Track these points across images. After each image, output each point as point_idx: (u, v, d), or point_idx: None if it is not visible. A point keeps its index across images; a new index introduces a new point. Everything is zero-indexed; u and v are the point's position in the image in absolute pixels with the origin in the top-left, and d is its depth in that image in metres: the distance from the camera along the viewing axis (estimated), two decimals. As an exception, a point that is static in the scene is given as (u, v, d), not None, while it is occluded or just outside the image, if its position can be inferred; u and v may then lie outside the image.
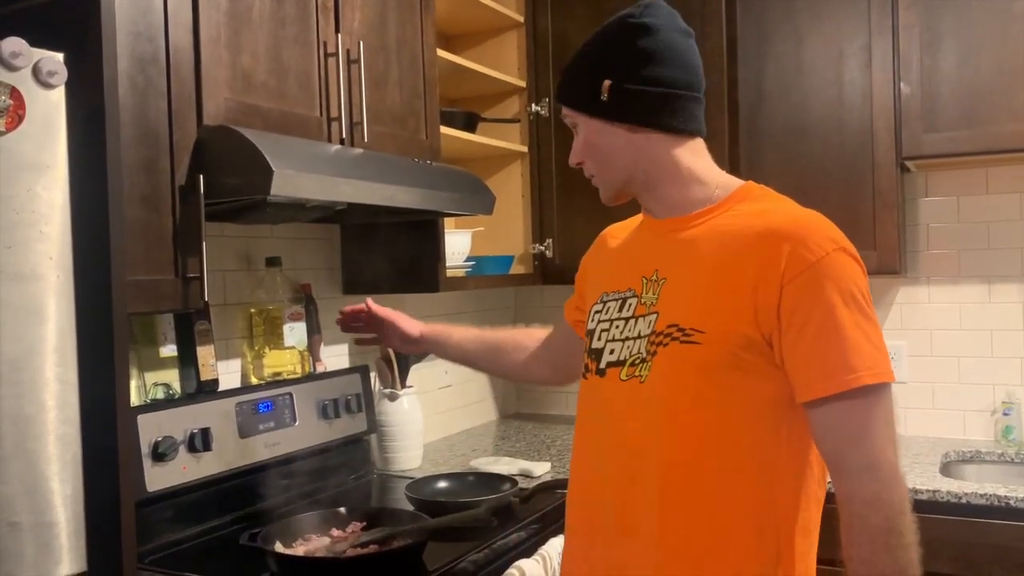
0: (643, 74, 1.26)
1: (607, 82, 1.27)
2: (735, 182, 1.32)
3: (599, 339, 1.34)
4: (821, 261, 1.15)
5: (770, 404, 1.20)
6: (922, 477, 2.26)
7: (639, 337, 1.27)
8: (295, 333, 2.20)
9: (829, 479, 1.22)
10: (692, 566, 1.22)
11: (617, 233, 1.49)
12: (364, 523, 1.82)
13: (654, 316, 1.26)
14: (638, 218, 1.44)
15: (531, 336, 1.78)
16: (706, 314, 1.20)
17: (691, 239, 1.28)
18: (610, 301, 1.36)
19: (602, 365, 1.32)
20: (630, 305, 1.31)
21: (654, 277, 1.29)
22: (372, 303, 1.85)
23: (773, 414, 1.20)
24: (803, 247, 1.15)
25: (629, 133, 1.29)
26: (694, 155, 1.32)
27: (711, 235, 1.26)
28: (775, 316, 1.16)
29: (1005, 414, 2.60)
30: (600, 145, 1.31)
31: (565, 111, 1.35)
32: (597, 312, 1.37)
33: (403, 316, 1.85)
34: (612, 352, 1.31)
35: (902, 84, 2.44)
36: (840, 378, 1.13)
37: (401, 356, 2.48)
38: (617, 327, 1.31)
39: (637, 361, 1.27)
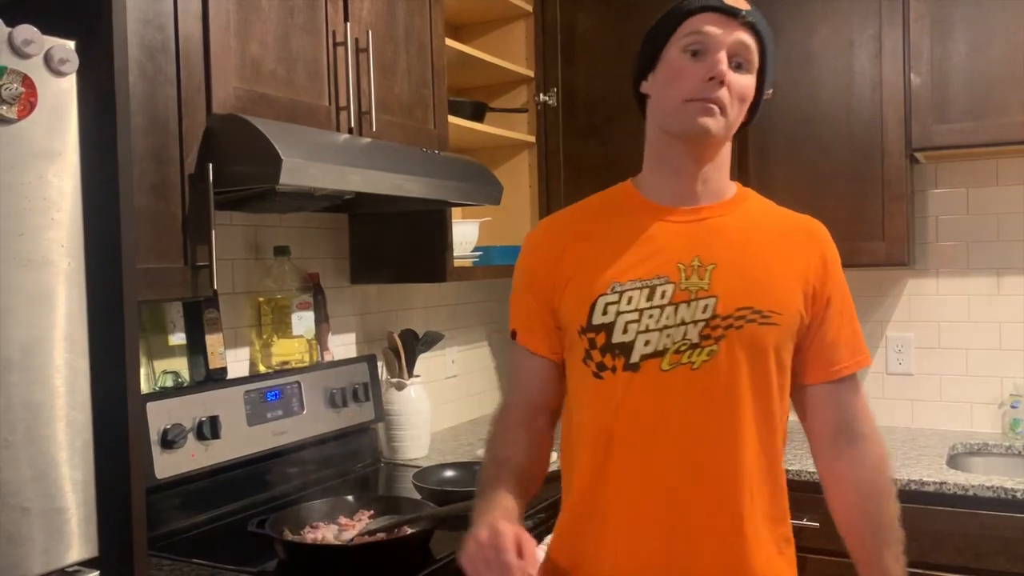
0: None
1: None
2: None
3: (625, 332, 1.26)
4: (838, 258, 1.35)
5: (789, 384, 1.33)
6: (929, 469, 2.26)
7: (684, 324, 1.25)
8: (303, 322, 2.21)
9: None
10: (749, 544, 1.26)
11: (571, 226, 1.39)
12: (371, 511, 1.83)
13: (712, 300, 1.25)
14: (584, 208, 1.39)
15: (516, 418, 1.42)
16: (778, 296, 1.27)
17: (729, 226, 1.31)
18: (629, 291, 1.28)
19: (634, 359, 1.25)
20: (664, 293, 1.27)
21: (695, 263, 1.28)
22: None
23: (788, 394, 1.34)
24: (831, 244, 1.35)
25: (746, 110, 1.32)
26: None
27: (753, 225, 1.32)
28: (824, 302, 1.31)
29: (1013, 407, 2.60)
30: (747, 100, 1.30)
31: (754, 48, 1.27)
32: (611, 304, 1.28)
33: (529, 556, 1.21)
34: (647, 343, 1.25)
35: (912, 75, 2.43)
36: (860, 357, 1.34)
37: (409, 346, 2.48)
38: (651, 316, 1.26)
39: (683, 348, 1.24)
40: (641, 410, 1.27)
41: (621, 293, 1.28)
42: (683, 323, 1.25)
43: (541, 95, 2.82)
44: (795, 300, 1.28)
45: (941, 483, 2.16)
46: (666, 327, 1.25)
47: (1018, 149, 2.45)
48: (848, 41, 2.49)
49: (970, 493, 2.13)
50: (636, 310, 1.27)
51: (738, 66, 1.26)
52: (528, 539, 1.20)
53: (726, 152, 1.34)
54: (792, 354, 1.30)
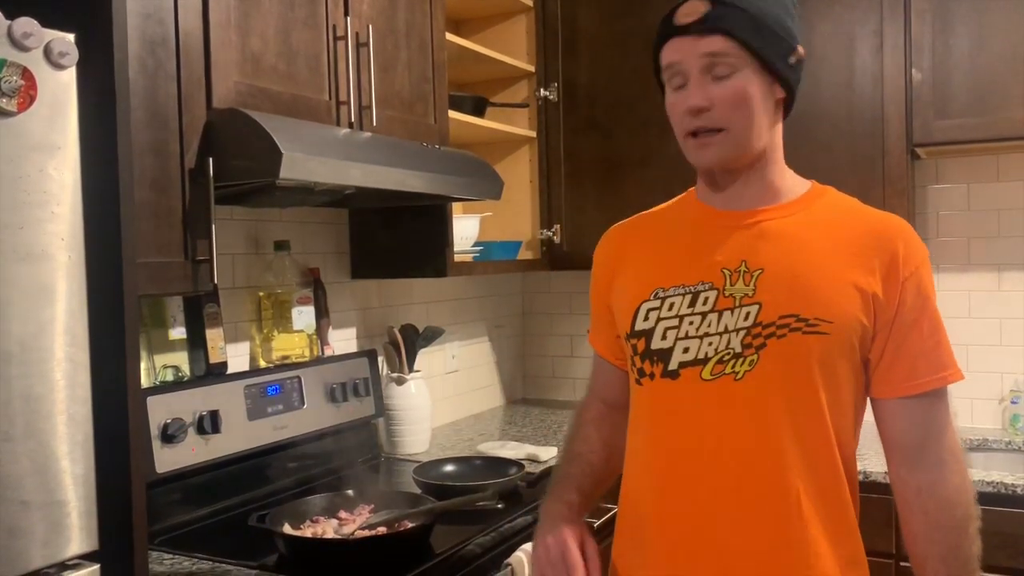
0: (802, 49, 1.25)
1: (801, 48, 1.24)
2: (804, 179, 1.33)
3: (664, 338, 1.25)
4: (924, 262, 1.23)
5: (859, 398, 1.25)
6: (929, 465, 2.26)
7: (727, 332, 1.21)
8: (303, 317, 2.21)
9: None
10: (798, 563, 1.20)
11: (635, 232, 1.41)
12: (372, 506, 1.83)
13: (754, 307, 1.20)
14: (662, 209, 1.40)
15: (594, 413, 1.49)
16: (829, 304, 1.19)
17: (783, 229, 1.24)
18: (672, 297, 1.26)
19: (672, 366, 1.24)
20: (707, 299, 1.23)
21: (742, 268, 1.23)
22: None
23: (858, 409, 1.25)
24: (914, 246, 1.23)
25: (777, 103, 1.26)
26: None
27: (809, 226, 1.24)
28: (893, 309, 1.20)
29: (1013, 403, 2.60)
30: (756, 102, 1.21)
31: (725, 49, 1.18)
32: (652, 310, 1.27)
33: (592, 559, 1.34)
34: (687, 351, 1.23)
35: (913, 70, 2.42)
36: (943, 373, 1.21)
37: (409, 341, 2.48)
38: (691, 323, 1.23)
39: (727, 358, 1.20)
40: (680, 419, 1.24)
41: (664, 299, 1.27)
42: (726, 331, 1.21)
43: (542, 90, 2.82)
44: (851, 307, 1.18)
45: (941, 479, 2.16)
46: (707, 334, 1.22)
47: (1019, 145, 2.44)
48: (849, 36, 2.49)
49: (970, 489, 2.13)
50: (676, 316, 1.25)
51: (720, 74, 1.20)
52: (590, 542, 1.33)
53: (770, 150, 1.27)
54: (858, 366, 1.22)
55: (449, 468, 2.18)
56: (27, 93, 1.05)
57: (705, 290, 1.24)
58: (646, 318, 1.27)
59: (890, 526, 2.20)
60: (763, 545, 1.20)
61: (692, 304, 1.24)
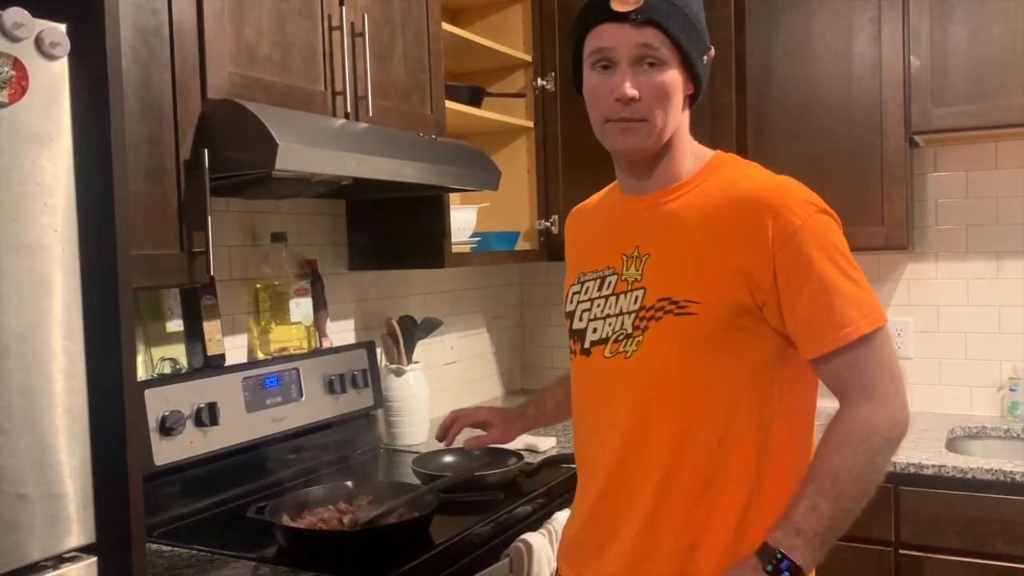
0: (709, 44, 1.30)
1: (712, 50, 1.30)
2: (707, 152, 1.34)
3: (580, 319, 1.35)
4: (804, 225, 1.19)
5: (764, 365, 1.24)
6: (928, 452, 2.26)
7: (621, 314, 1.28)
8: (301, 308, 2.21)
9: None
10: (693, 533, 1.24)
11: (584, 215, 1.50)
12: (371, 497, 1.83)
13: (640, 292, 1.27)
14: (599, 196, 1.48)
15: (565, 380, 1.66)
16: (698, 285, 1.22)
17: (670, 213, 1.29)
18: (588, 281, 1.36)
19: (586, 345, 1.33)
20: (609, 283, 1.32)
21: (635, 253, 1.30)
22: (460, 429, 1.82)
23: (766, 375, 1.24)
24: (786, 214, 1.20)
25: (686, 98, 1.29)
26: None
27: (690, 208, 1.27)
28: (770, 284, 1.20)
29: (1012, 390, 2.60)
30: (674, 95, 1.25)
31: (658, 42, 1.22)
32: (576, 293, 1.38)
33: (481, 437, 1.78)
34: (595, 331, 1.32)
35: (912, 57, 2.41)
36: (840, 332, 1.18)
37: (407, 332, 2.48)
38: (598, 306, 1.32)
39: (621, 337, 1.28)
40: (590, 394, 1.35)
41: (583, 283, 1.38)
42: (621, 312, 1.29)
43: (539, 80, 2.81)
44: (723, 287, 1.20)
45: (940, 466, 2.17)
46: (608, 316, 1.31)
47: (1018, 132, 2.44)
48: (848, 24, 2.48)
49: (969, 476, 2.14)
50: (589, 299, 1.35)
51: (650, 65, 1.23)
52: (496, 430, 1.75)
53: (677, 140, 1.30)
54: (770, 336, 1.22)
55: (448, 459, 2.18)
56: (19, 84, 1.04)
57: (609, 274, 1.33)
58: (571, 300, 1.39)
59: (889, 513, 2.21)
60: (639, 511, 1.26)
61: (600, 288, 1.34)
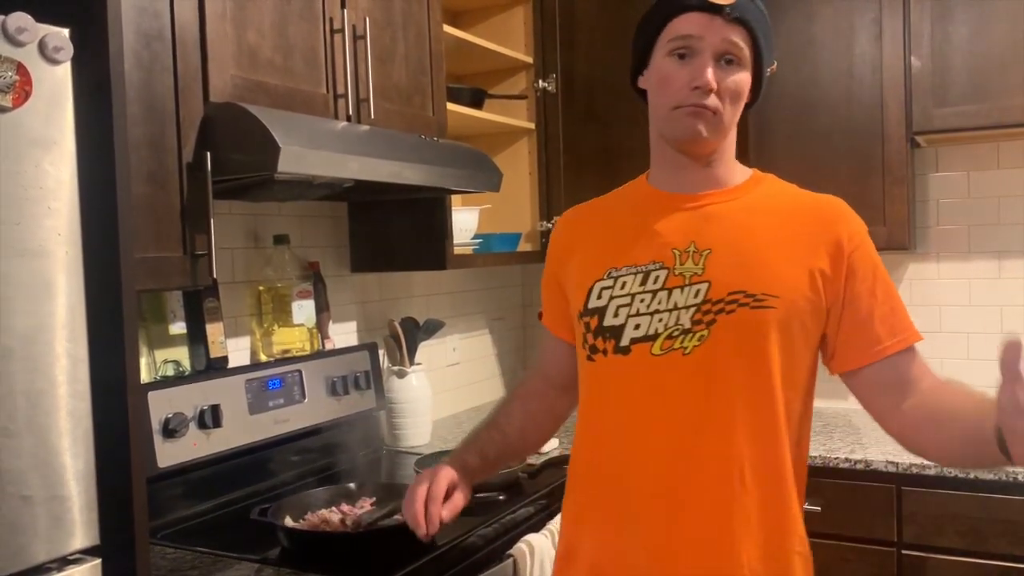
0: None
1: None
2: (743, 165, 1.38)
3: (615, 315, 1.29)
4: (866, 235, 1.29)
5: (810, 374, 1.29)
6: (930, 453, 2.26)
7: (676, 308, 1.25)
8: (304, 310, 2.21)
9: None
10: (740, 536, 1.23)
11: (589, 214, 1.45)
12: (373, 498, 1.83)
13: (703, 285, 1.24)
14: (605, 197, 1.45)
15: (529, 388, 1.59)
16: (775, 281, 1.23)
17: (729, 213, 1.30)
18: (624, 276, 1.31)
19: (624, 343, 1.28)
20: (657, 278, 1.28)
21: (691, 248, 1.28)
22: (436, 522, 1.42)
23: (810, 384, 1.30)
24: (854, 223, 1.29)
25: (743, 105, 1.32)
26: None
27: (753, 211, 1.30)
28: (842, 281, 1.25)
29: (1014, 390, 2.59)
30: (743, 96, 1.29)
31: (743, 42, 1.24)
32: (606, 288, 1.31)
33: (453, 502, 1.43)
34: (638, 327, 1.27)
35: (913, 58, 2.41)
36: (903, 335, 1.25)
37: (409, 333, 2.48)
38: (642, 300, 1.28)
39: (676, 333, 1.24)
40: (632, 394, 1.29)
41: (616, 278, 1.32)
42: (676, 308, 1.25)
43: (540, 81, 2.81)
44: (798, 283, 1.23)
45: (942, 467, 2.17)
46: (657, 311, 1.26)
47: (1019, 132, 2.44)
48: (848, 24, 2.48)
49: (971, 476, 2.13)
50: (628, 295, 1.29)
51: (728, 62, 1.24)
52: (464, 491, 1.44)
53: (729, 142, 1.33)
54: (812, 342, 1.26)
55: (450, 460, 2.17)
56: (22, 88, 1.05)
57: (656, 269, 1.29)
58: (599, 296, 1.32)
59: (892, 514, 2.21)
60: (707, 508, 1.24)
61: (643, 283, 1.29)
